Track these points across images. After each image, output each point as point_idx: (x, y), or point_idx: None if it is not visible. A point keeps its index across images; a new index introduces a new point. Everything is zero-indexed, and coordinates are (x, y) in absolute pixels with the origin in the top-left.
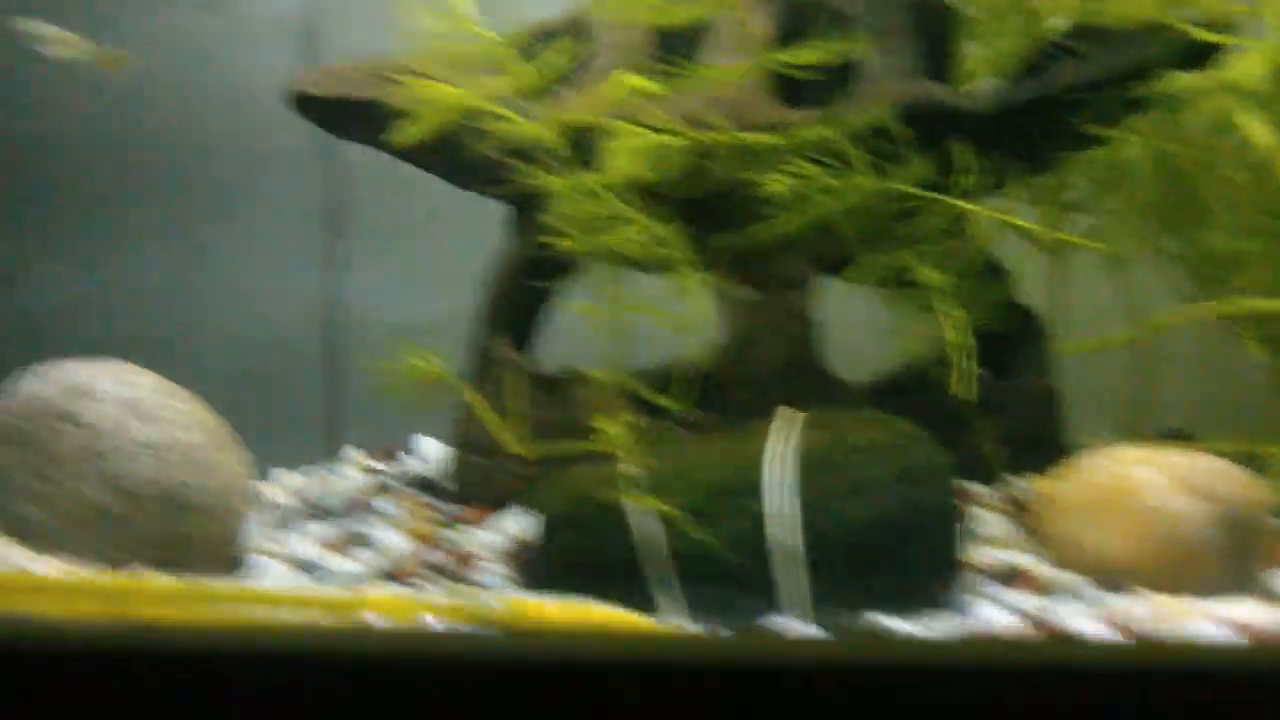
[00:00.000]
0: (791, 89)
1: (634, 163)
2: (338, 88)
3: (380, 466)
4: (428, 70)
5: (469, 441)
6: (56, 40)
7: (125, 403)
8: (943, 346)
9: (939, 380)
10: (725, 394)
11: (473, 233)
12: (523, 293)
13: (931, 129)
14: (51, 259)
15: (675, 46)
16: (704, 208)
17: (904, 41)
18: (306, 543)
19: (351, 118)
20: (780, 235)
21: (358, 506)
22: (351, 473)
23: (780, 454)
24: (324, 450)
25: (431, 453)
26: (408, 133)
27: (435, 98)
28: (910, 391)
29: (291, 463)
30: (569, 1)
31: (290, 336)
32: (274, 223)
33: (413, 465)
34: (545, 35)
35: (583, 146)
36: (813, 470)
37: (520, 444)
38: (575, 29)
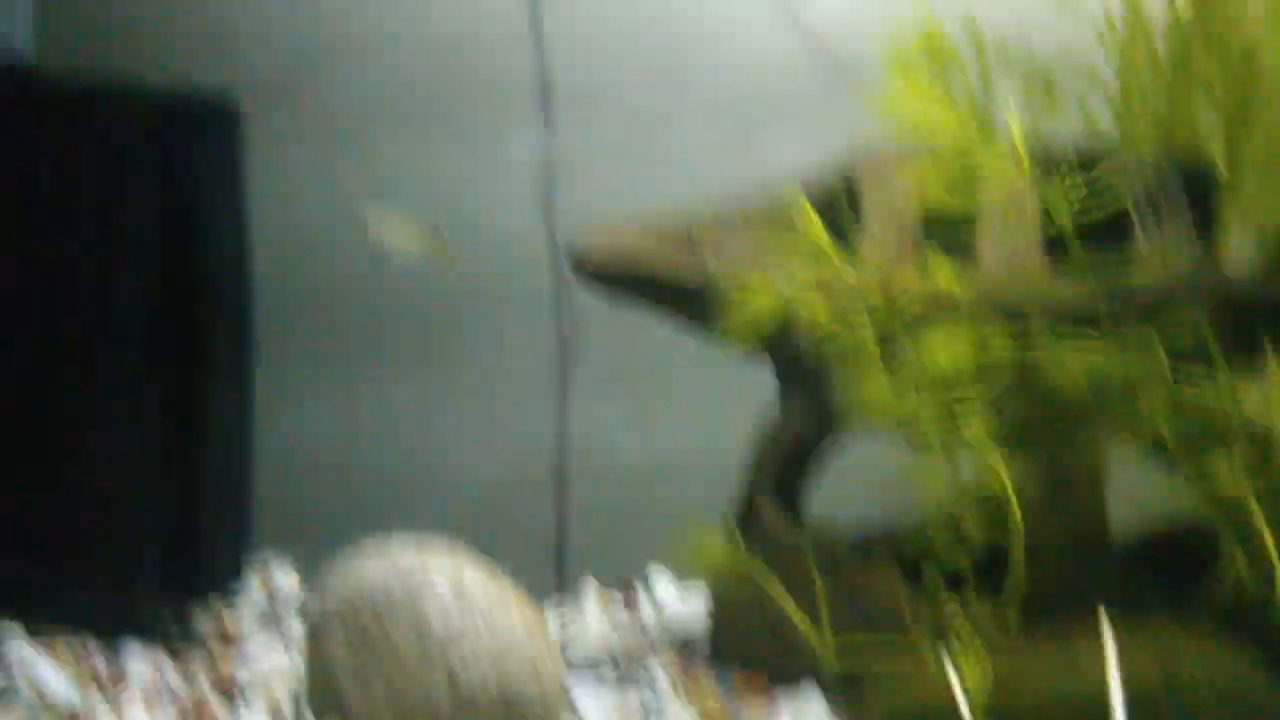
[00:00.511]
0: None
1: (951, 357)
2: (620, 254)
3: (622, 607)
4: (709, 233)
5: (731, 599)
6: (401, 232)
7: (459, 596)
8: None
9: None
10: (1008, 568)
11: (702, 373)
12: (794, 454)
13: (1210, 302)
14: (309, 394)
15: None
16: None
17: (1173, 208)
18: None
19: (632, 285)
20: (1076, 407)
21: (628, 662)
22: (594, 610)
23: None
24: (558, 581)
25: (670, 594)
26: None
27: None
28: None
29: (530, 593)
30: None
31: (525, 466)
32: (511, 360)
33: (657, 610)
34: (814, 191)
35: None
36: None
37: (810, 623)
38: (845, 186)
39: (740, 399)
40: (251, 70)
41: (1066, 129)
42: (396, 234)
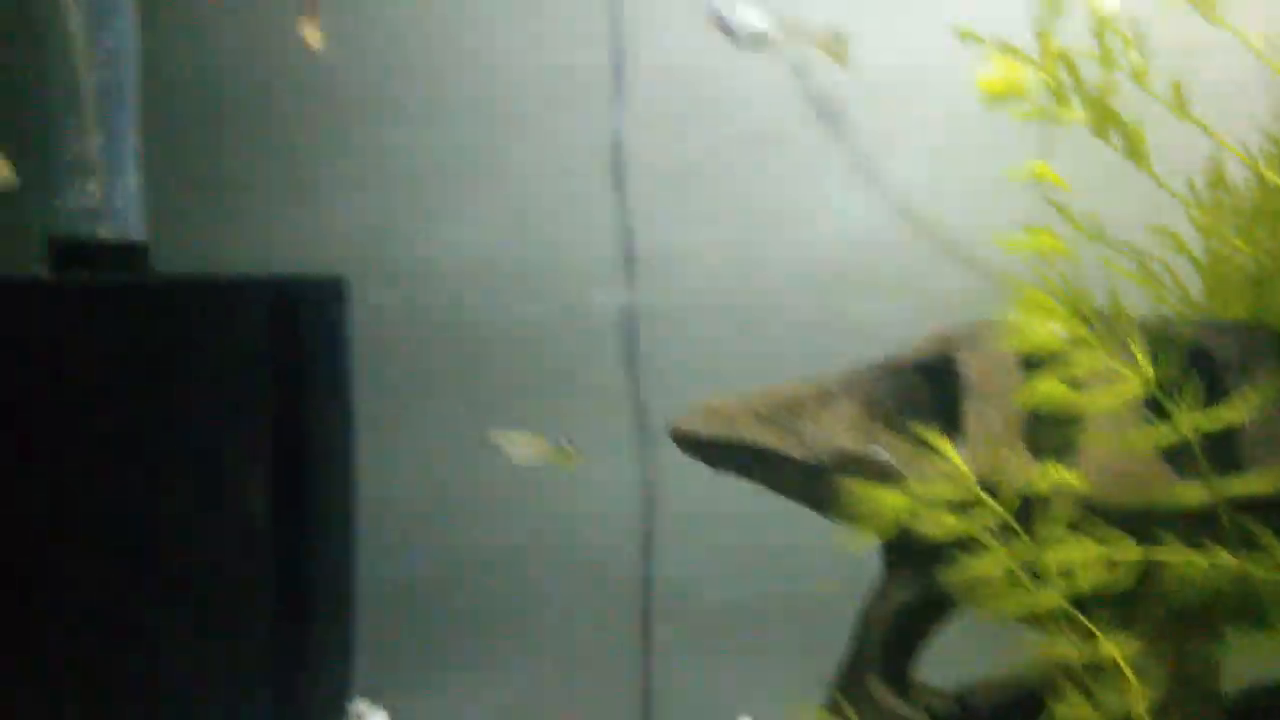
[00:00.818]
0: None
1: (1070, 553)
2: (720, 427)
3: None
4: (810, 405)
5: None
6: (526, 446)
7: None
8: None
9: None
10: None
11: (761, 502)
12: (903, 629)
13: None
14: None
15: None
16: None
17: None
18: None
19: (733, 458)
20: (1197, 604)
21: None
22: None
23: None
24: None
25: None
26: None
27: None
28: None
29: None
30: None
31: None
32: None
33: None
34: (903, 371)
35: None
36: None
37: None
38: (943, 367)
39: (826, 539)
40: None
41: (1155, 303)
42: (521, 448)
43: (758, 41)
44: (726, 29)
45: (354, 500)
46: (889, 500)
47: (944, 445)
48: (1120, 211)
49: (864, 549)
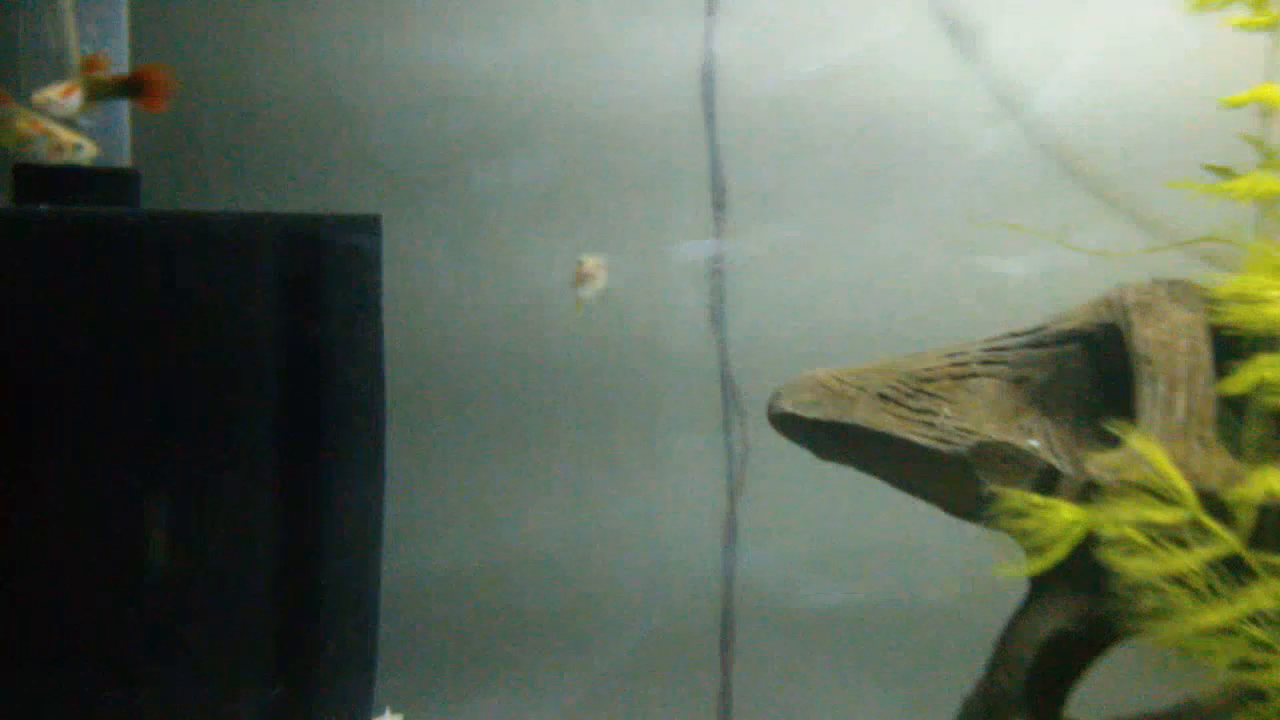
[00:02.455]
0: None
1: None
2: (827, 409)
3: None
4: (936, 383)
5: None
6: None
7: None
8: None
9: None
10: None
11: (862, 498)
12: (1054, 657)
13: None
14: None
15: None
16: None
17: None
18: None
19: (843, 439)
20: None
21: None
22: None
23: None
24: None
25: None
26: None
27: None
28: None
29: None
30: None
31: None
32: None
33: None
34: (1059, 342)
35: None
36: None
37: None
38: (1109, 338)
39: (940, 540)
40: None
41: None
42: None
43: None
44: None
45: (379, 495)
46: (1063, 516)
47: (1142, 443)
48: None
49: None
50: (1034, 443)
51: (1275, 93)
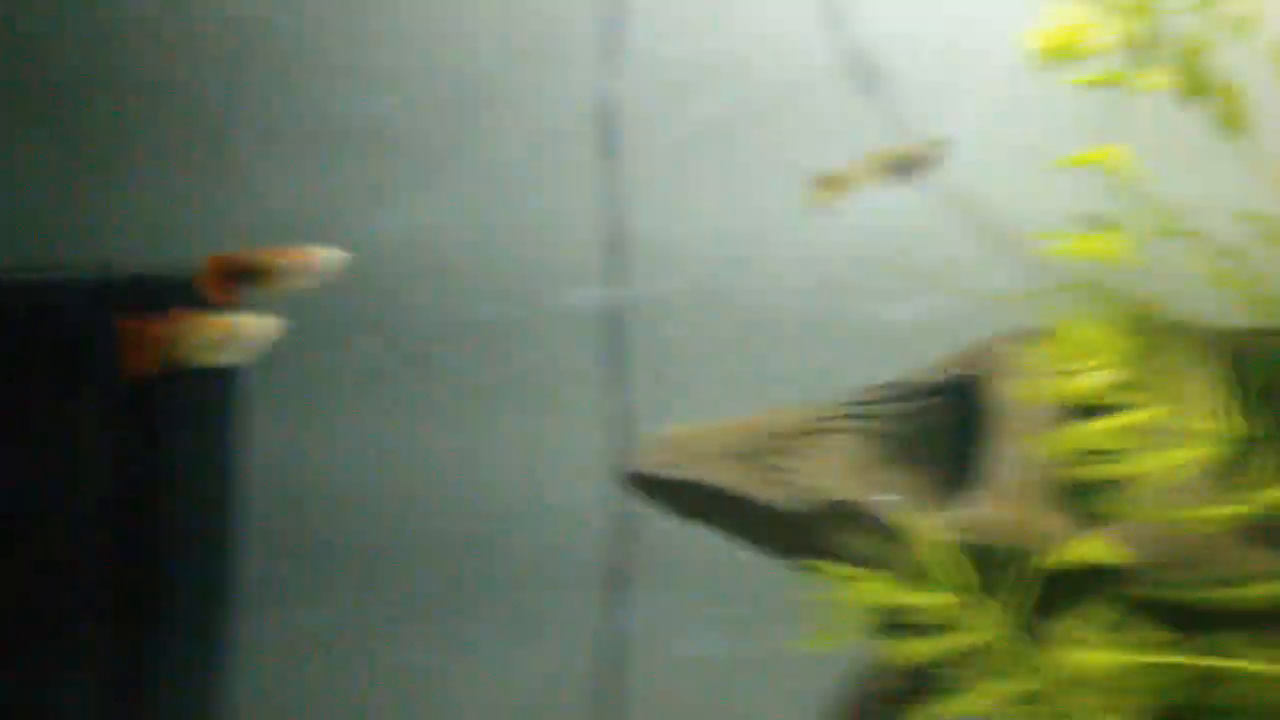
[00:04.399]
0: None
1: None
2: (682, 468)
3: None
4: (788, 442)
5: None
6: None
7: None
8: None
9: None
10: None
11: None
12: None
13: None
14: None
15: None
16: None
17: None
18: None
19: (695, 501)
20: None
21: None
22: None
23: None
24: None
25: None
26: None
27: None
28: None
29: None
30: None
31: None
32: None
33: None
34: (917, 397)
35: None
36: None
37: None
38: (966, 393)
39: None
40: None
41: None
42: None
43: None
44: None
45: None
46: (869, 589)
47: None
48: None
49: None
50: (889, 498)
51: (1108, 154)
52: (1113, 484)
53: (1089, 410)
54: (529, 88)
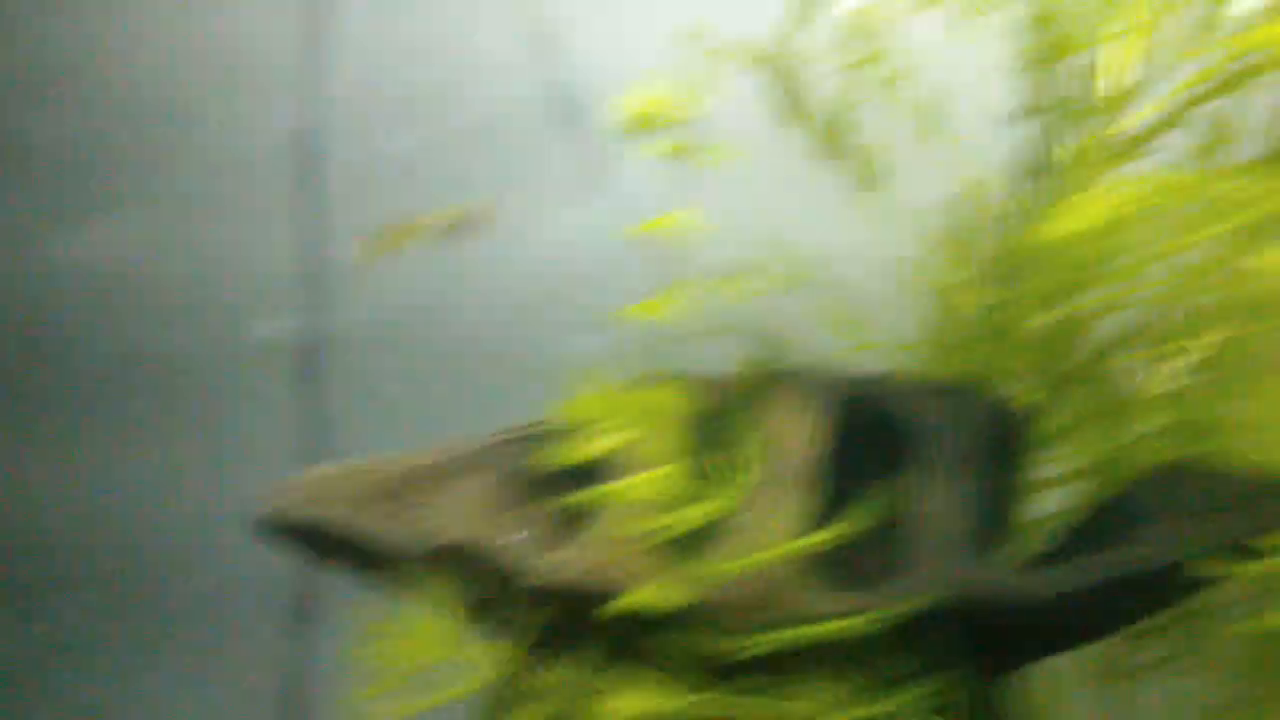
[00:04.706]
0: (839, 556)
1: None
2: (310, 510)
3: None
4: (423, 482)
5: None
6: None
7: None
8: None
9: None
10: None
11: None
12: None
13: (984, 621)
14: None
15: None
16: None
17: (968, 479)
18: None
19: (323, 546)
20: None
21: None
22: None
23: None
24: None
25: None
26: None
27: None
28: None
29: None
30: None
31: None
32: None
33: None
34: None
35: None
36: None
37: None
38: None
39: None
40: None
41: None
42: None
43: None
44: None
45: None
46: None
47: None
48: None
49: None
50: (517, 537)
51: (683, 220)
52: (690, 533)
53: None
54: (227, 115)
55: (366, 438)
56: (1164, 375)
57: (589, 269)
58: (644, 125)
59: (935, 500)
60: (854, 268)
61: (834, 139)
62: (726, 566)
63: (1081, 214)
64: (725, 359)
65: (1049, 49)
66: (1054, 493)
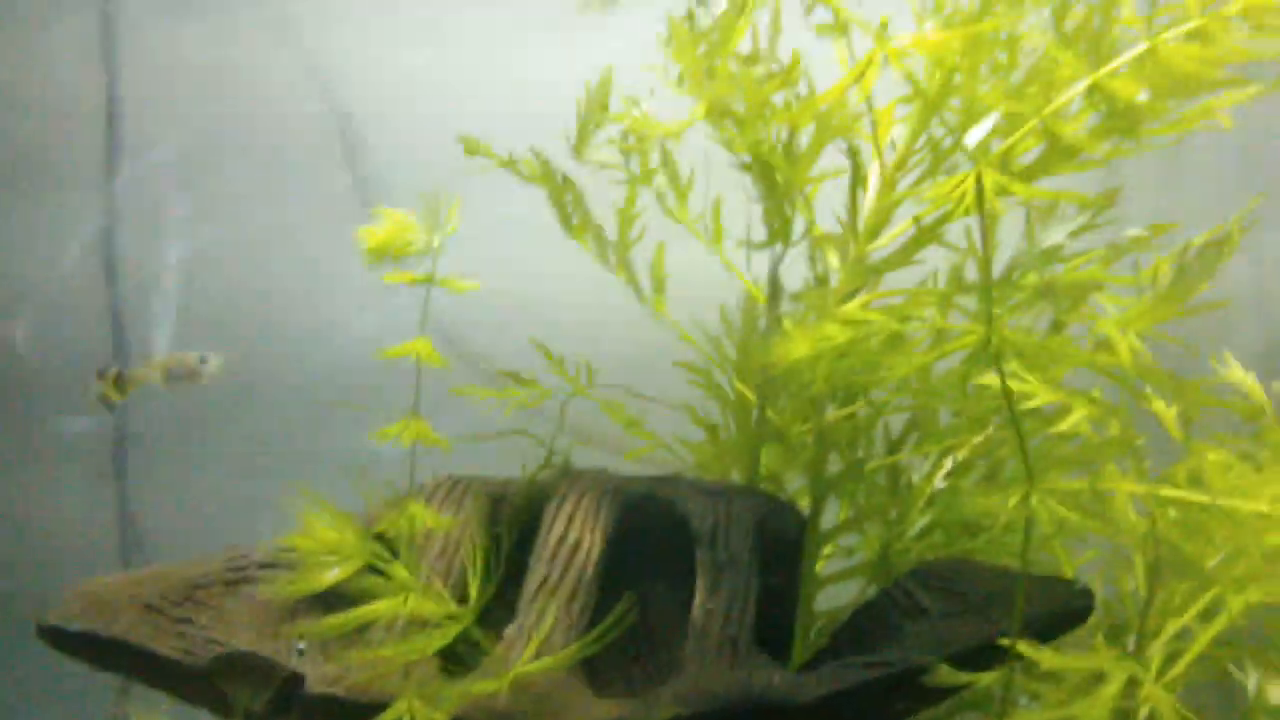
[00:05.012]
0: (612, 661)
1: None
2: (92, 620)
3: None
4: (210, 592)
5: None
6: None
7: None
8: None
9: None
10: None
11: None
12: None
13: None
14: None
15: None
16: None
17: (745, 579)
18: None
19: (107, 655)
20: None
21: None
22: None
23: None
24: None
25: None
26: None
27: None
28: None
29: None
30: None
31: None
32: None
33: None
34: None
35: None
36: None
37: None
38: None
39: None
40: None
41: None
42: None
43: None
44: None
45: None
46: None
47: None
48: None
49: None
50: (296, 648)
51: (425, 347)
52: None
53: None
54: None
55: (172, 534)
56: (933, 475)
57: (389, 365)
58: (385, 255)
59: (712, 601)
60: (641, 372)
61: (618, 251)
62: (492, 682)
63: (812, 338)
64: (518, 459)
65: (784, 185)
66: (830, 589)
